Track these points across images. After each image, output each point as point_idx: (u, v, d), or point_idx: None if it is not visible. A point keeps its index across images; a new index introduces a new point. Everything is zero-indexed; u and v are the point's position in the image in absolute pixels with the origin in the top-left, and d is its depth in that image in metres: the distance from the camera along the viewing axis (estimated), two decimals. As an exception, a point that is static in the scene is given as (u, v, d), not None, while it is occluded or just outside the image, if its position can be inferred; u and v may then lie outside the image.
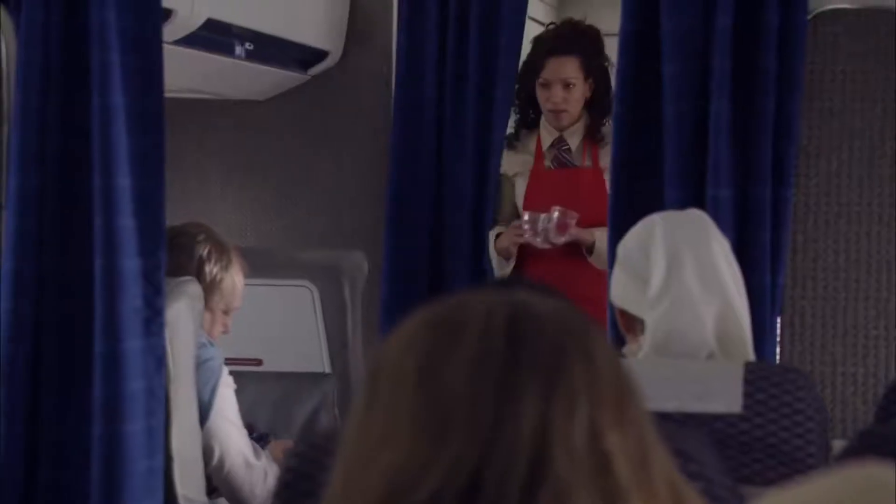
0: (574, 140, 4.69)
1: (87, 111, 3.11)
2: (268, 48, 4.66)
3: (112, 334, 3.06)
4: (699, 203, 3.17)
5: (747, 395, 2.40)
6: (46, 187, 3.12)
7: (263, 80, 4.93)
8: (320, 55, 5.04)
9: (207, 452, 3.46)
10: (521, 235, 4.55)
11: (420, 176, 5.14)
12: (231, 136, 5.11)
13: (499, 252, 4.65)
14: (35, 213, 3.10)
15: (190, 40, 4.02)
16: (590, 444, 1.22)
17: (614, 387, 1.26)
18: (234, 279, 3.65)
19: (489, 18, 5.24)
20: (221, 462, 3.49)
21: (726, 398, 2.41)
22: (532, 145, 4.75)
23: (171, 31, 3.70)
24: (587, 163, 4.65)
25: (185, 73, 4.14)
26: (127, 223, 3.08)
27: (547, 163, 4.69)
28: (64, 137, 3.14)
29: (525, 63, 4.64)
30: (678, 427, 1.93)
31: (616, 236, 3.22)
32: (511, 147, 4.65)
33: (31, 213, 3.10)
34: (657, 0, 3.28)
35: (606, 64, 4.65)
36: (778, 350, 3.24)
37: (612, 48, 4.05)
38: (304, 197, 4.96)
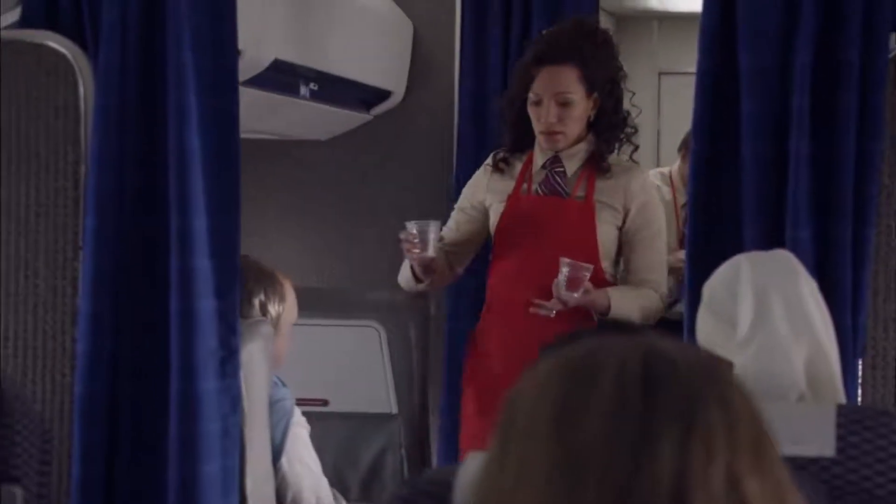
0: (572, 164, 3.85)
1: (164, 152, 3.11)
2: (332, 88, 4.66)
3: (188, 375, 3.05)
4: (778, 243, 3.14)
5: (840, 438, 2.37)
6: (123, 228, 3.12)
7: (327, 120, 4.93)
8: (383, 95, 5.05)
9: (280, 494, 3.44)
10: (411, 250, 3.80)
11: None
12: (293, 176, 5.11)
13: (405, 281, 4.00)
14: (112, 253, 3.10)
15: (256, 81, 4.03)
16: (729, 492, 1.20)
17: (751, 431, 1.24)
18: (291, 311, 3.61)
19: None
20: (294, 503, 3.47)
21: (819, 441, 2.37)
22: (518, 170, 3.97)
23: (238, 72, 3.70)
24: (580, 193, 3.80)
25: (252, 113, 4.14)
26: (203, 264, 3.07)
27: (533, 186, 3.87)
28: (140, 178, 3.14)
29: (514, 74, 3.99)
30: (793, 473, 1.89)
31: (695, 277, 3.20)
32: (498, 170, 3.99)
33: (108, 253, 3.10)
34: (734, 37, 3.25)
35: (620, 75, 3.84)
36: (860, 392, 3.19)
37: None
38: (367, 236, 4.95)
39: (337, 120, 5.00)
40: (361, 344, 4.24)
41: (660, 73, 6.86)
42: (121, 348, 3.11)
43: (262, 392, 3.29)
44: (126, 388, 3.11)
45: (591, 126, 3.83)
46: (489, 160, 3.98)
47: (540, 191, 3.84)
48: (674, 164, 5.83)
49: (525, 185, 3.85)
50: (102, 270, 3.10)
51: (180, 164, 3.08)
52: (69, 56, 3.11)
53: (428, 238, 3.75)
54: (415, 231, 3.77)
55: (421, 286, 3.94)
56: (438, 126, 5.07)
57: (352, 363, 4.27)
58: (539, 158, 3.88)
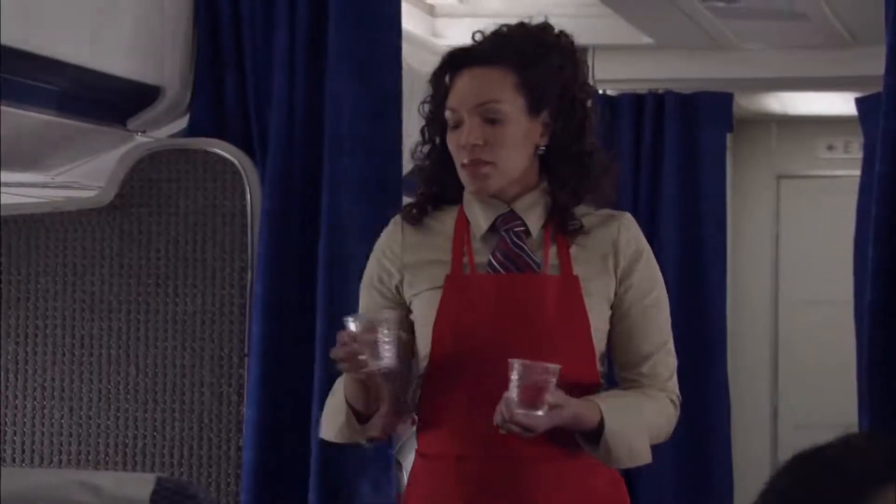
0: (532, 217, 2.48)
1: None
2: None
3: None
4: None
5: None
6: (289, 334, 3.11)
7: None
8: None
9: None
10: (352, 360, 2.32)
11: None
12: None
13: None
14: (278, 360, 3.09)
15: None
16: None
17: None
18: None
19: (685, 162, 5.23)
20: None
21: None
22: (450, 228, 2.51)
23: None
24: (552, 263, 2.45)
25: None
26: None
27: (480, 259, 2.47)
28: (301, 286, 3.13)
29: (431, 90, 2.52)
30: None
31: (877, 325, 3.06)
32: (414, 222, 2.51)
33: (274, 360, 3.09)
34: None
35: (584, 94, 2.49)
36: None
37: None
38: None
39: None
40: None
41: (778, 177, 6.80)
42: (284, 449, 3.09)
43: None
44: (292, 497, 3.08)
45: (545, 165, 2.48)
46: (398, 216, 2.53)
47: (497, 265, 2.45)
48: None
49: (466, 261, 2.45)
50: (268, 377, 3.08)
51: (342, 272, 3.08)
52: (237, 163, 3.11)
53: (380, 339, 2.30)
54: (353, 327, 2.30)
55: (369, 435, 2.45)
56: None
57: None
58: (480, 218, 2.47)
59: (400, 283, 2.46)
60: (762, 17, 4.73)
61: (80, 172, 3.33)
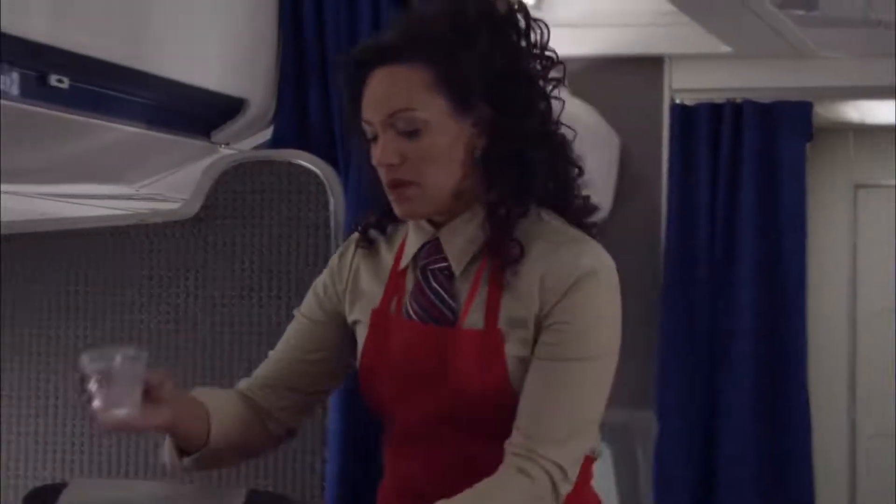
0: (458, 252, 2.01)
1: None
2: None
3: None
4: None
5: None
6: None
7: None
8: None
9: None
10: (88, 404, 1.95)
11: (696, 337, 5.08)
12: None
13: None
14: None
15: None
16: None
17: None
18: None
19: (764, 172, 5.19)
20: None
21: None
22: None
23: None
24: (475, 313, 1.98)
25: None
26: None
27: (404, 300, 2.06)
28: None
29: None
30: None
31: None
32: (366, 245, 2.13)
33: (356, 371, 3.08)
34: None
35: (533, 62, 2.01)
36: None
37: None
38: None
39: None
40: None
41: (856, 186, 6.74)
42: (369, 470, 3.08)
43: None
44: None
45: (487, 176, 1.99)
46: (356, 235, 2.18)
47: (411, 313, 2.04)
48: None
49: (395, 298, 2.06)
50: (352, 389, 3.07)
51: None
52: (320, 174, 3.11)
53: (115, 380, 1.92)
54: (87, 370, 1.92)
55: (184, 463, 2.13)
56: (645, 241, 5.03)
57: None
58: (411, 246, 2.07)
59: (339, 304, 2.12)
60: (840, 24, 4.70)
61: (163, 185, 3.35)
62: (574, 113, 5.09)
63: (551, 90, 2.01)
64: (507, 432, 1.93)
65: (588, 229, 2.02)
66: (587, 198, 2.05)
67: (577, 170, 2.02)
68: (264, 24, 3.15)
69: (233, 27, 3.05)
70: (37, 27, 2.40)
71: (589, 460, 2.05)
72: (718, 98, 5.24)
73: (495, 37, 1.97)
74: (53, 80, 2.50)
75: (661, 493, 4.62)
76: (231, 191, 3.13)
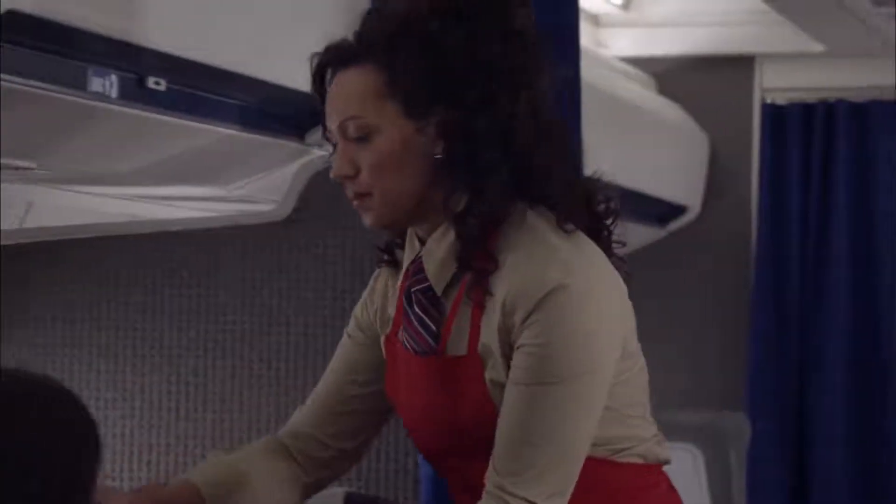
0: (435, 263, 1.82)
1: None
2: (628, 203, 4.60)
3: None
4: None
5: None
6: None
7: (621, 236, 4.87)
8: (679, 210, 4.97)
9: None
10: None
11: (788, 338, 5.02)
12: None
13: None
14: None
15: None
16: None
17: None
18: None
19: (858, 173, 5.12)
20: None
21: None
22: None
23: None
24: (456, 338, 1.81)
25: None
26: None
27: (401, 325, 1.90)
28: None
29: None
30: None
31: None
32: (389, 265, 1.96)
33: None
34: None
35: (508, 68, 1.79)
36: None
37: None
38: (669, 353, 4.85)
39: (631, 236, 4.93)
40: (675, 469, 4.11)
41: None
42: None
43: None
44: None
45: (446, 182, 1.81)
46: None
47: (405, 340, 1.88)
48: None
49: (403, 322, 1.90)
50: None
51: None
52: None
53: None
54: None
55: None
56: (735, 242, 4.99)
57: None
58: (406, 262, 1.90)
59: (374, 326, 1.96)
60: (937, 22, 4.63)
61: (254, 186, 3.35)
62: (661, 112, 5.08)
63: (538, 78, 1.79)
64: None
65: (602, 238, 1.86)
66: (610, 200, 1.89)
67: (575, 170, 1.84)
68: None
69: (324, 27, 3.04)
70: (135, 30, 2.40)
71: (656, 468, 1.90)
72: (811, 97, 5.17)
73: (453, 29, 1.76)
74: (151, 82, 2.50)
75: (754, 497, 4.57)
76: (323, 192, 3.12)
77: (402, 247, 1.89)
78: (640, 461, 1.86)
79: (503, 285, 1.75)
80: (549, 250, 1.74)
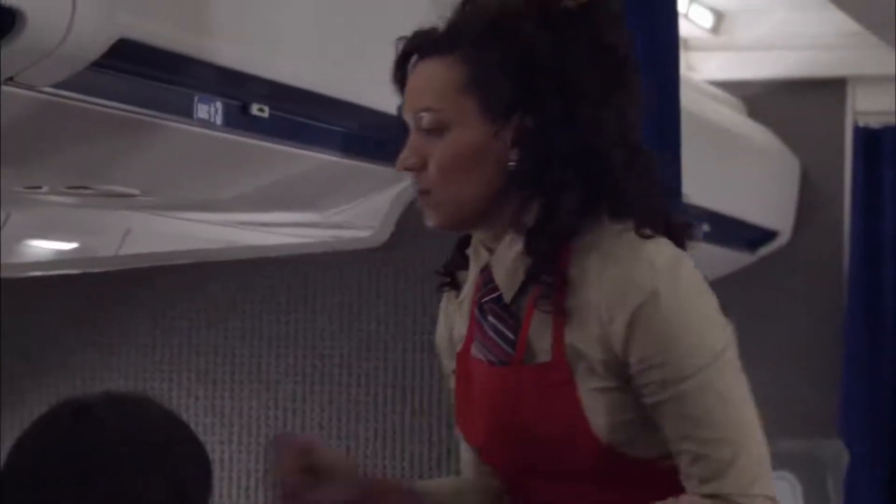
0: (503, 273, 1.75)
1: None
2: (723, 229, 4.58)
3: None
4: None
5: None
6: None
7: (710, 262, 4.85)
8: (769, 235, 4.94)
9: None
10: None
11: (881, 364, 4.96)
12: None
13: None
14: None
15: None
16: None
17: None
18: None
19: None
20: None
21: None
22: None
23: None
24: (538, 345, 1.73)
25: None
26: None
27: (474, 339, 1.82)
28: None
29: None
30: None
31: None
32: (451, 287, 1.96)
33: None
34: None
35: (601, 79, 1.71)
36: None
37: None
38: (761, 378, 4.81)
39: (721, 261, 4.90)
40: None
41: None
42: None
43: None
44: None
45: (526, 193, 1.72)
46: None
47: (479, 351, 1.80)
48: None
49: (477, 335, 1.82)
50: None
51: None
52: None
53: None
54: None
55: None
56: (827, 266, 4.95)
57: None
58: (471, 274, 1.86)
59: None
60: None
61: (350, 212, 3.36)
62: (751, 136, 5.04)
63: (626, 99, 1.70)
64: (603, 477, 1.69)
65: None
66: (684, 221, 1.75)
67: (658, 189, 1.71)
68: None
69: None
70: (239, 57, 2.42)
71: None
72: (905, 121, 5.13)
73: (543, 35, 1.68)
74: (255, 109, 2.52)
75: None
76: (421, 218, 3.12)
77: (464, 265, 1.85)
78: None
79: (592, 291, 1.67)
80: (634, 253, 1.66)
